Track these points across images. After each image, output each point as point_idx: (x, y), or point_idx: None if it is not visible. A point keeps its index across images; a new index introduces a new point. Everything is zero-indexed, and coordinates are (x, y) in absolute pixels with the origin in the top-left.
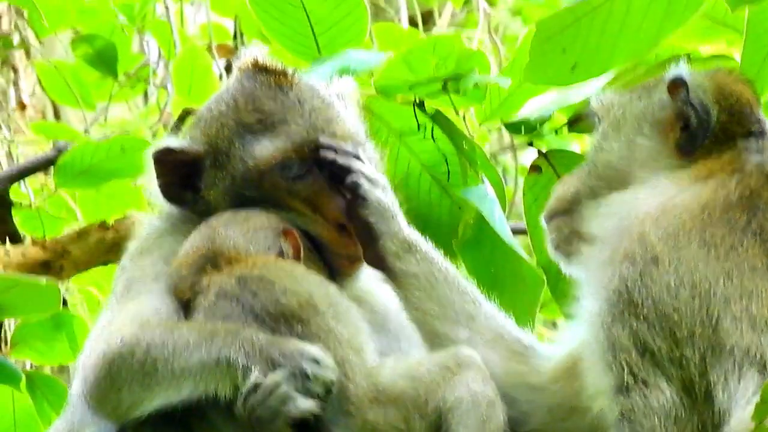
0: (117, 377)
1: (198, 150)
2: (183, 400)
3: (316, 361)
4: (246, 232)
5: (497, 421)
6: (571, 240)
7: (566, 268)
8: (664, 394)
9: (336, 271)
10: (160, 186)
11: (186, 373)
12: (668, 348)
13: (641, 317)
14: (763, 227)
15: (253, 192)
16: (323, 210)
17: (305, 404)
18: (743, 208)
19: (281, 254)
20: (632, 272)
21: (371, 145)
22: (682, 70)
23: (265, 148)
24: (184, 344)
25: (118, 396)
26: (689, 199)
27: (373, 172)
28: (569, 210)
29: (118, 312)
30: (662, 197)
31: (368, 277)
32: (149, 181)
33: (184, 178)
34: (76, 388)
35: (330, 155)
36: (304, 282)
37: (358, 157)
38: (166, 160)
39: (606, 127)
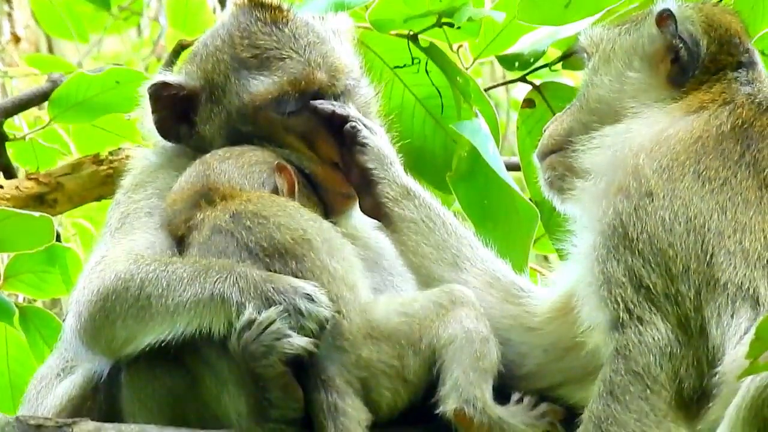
0: (111, 312)
1: (194, 85)
2: (177, 336)
3: (310, 298)
4: (240, 167)
5: (491, 358)
6: (564, 177)
7: (560, 206)
8: (659, 331)
9: (330, 207)
10: (155, 121)
11: (180, 308)
12: (663, 284)
13: (636, 252)
14: (756, 159)
15: (248, 127)
16: (317, 147)
17: (299, 341)
18: (736, 140)
19: (276, 190)
20: (627, 206)
21: (366, 81)
22: (670, 2)
23: (261, 84)
24: (178, 279)
25: (112, 331)
26: (682, 130)
27: (370, 121)
28: (562, 147)
29: (112, 247)
30: (655, 129)
31: (361, 216)
32: (144, 115)
33: (179, 113)
34: (70, 323)
35: (328, 107)
36: (299, 218)
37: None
38: (161, 95)
39: (596, 62)
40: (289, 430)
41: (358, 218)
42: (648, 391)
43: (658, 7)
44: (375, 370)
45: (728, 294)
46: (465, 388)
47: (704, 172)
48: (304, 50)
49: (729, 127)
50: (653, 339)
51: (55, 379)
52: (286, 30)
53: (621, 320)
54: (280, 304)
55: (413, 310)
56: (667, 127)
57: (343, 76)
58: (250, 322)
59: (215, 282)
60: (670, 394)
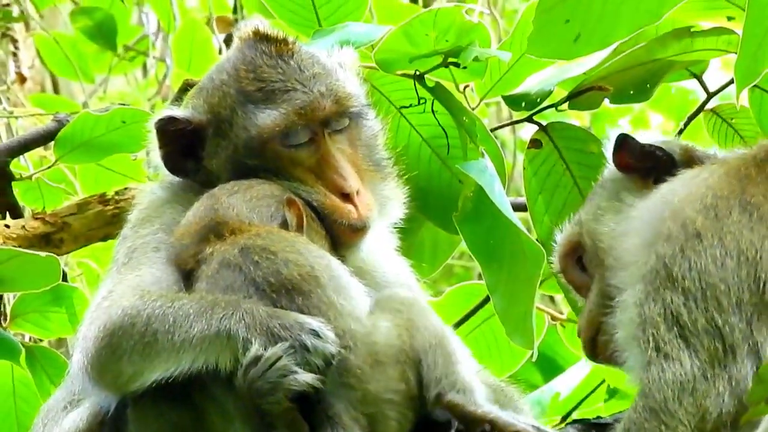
0: (117, 348)
1: (200, 119)
2: (183, 372)
3: (316, 334)
4: (249, 201)
5: (458, 347)
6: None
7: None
8: (682, 367)
9: (338, 240)
10: (162, 156)
11: (186, 345)
12: (708, 318)
13: (679, 290)
14: None
15: (255, 161)
16: (326, 178)
17: (305, 377)
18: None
19: (285, 224)
20: (669, 248)
21: (373, 113)
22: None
23: (268, 117)
24: (185, 315)
25: (118, 366)
26: (719, 168)
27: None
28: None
29: (118, 282)
30: (685, 179)
31: (371, 248)
32: (151, 150)
33: (186, 148)
34: (77, 358)
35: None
36: (306, 254)
37: None
38: (168, 129)
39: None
40: None
41: (366, 250)
42: (663, 427)
43: (607, 150)
44: (382, 403)
45: None
46: (450, 378)
47: (751, 202)
48: (310, 81)
49: (764, 153)
50: (673, 375)
51: (62, 411)
52: (292, 62)
53: (649, 359)
54: (286, 340)
55: (403, 324)
56: (697, 175)
57: (349, 105)
58: (256, 359)
59: (221, 318)
60: (689, 430)
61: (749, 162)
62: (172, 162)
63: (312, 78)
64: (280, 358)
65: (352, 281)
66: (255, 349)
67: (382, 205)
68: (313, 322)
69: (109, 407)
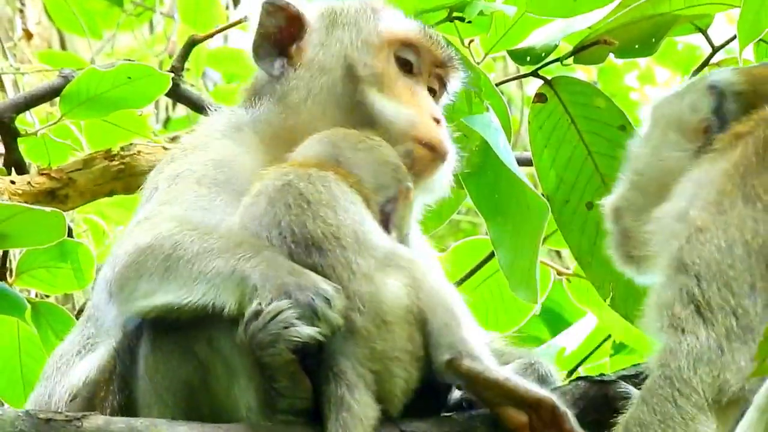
0: (142, 266)
1: (311, 15)
2: (192, 305)
3: (329, 303)
4: (372, 163)
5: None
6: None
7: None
8: (698, 339)
9: (416, 166)
10: (255, 37)
11: (201, 276)
12: (721, 298)
13: (691, 274)
14: None
15: (362, 61)
16: (421, 102)
17: (306, 330)
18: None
19: (389, 200)
20: (677, 244)
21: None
22: (720, 74)
23: (400, 22)
24: (209, 249)
25: (136, 283)
26: (722, 165)
27: None
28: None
29: (158, 209)
30: (693, 178)
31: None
32: (249, 30)
33: (282, 41)
34: (103, 272)
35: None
36: (340, 212)
37: None
38: (276, 9)
39: (642, 133)
40: (298, 422)
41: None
42: (677, 393)
43: (708, 79)
44: (389, 360)
45: None
46: (463, 345)
47: (753, 192)
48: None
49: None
50: (688, 346)
51: (76, 356)
52: None
53: (666, 333)
54: (297, 299)
55: (409, 282)
56: (708, 170)
57: (457, 71)
58: (258, 312)
59: (239, 259)
60: (703, 399)
61: (751, 151)
62: (263, 50)
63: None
64: (282, 311)
65: (379, 245)
66: (256, 303)
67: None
68: (329, 289)
69: (118, 360)
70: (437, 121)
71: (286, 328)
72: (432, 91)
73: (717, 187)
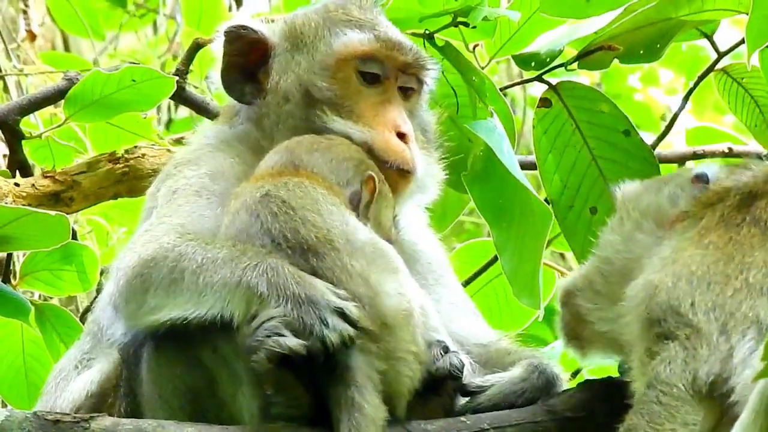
0: (147, 279)
1: (273, 39)
2: (200, 318)
3: (342, 314)
4: (329, 162)
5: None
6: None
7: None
8: (668, 351)
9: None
10: (223, 68)
11: (208, 289)
12: (678, 322)
13: (653, 310)
14: (756, 215)
15: (324, 82)
16: (385, 116)
17: (290, 342)
18: (738, 209)
19: (356, 193)
20: (643, 306)
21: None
22: (708, 169)
23: (355, 36)
24: (213, 259)
25: (143, 297)
26: (687, 235)
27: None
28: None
29: (158, 222)
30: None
31: (404, 221)
32: (215, 63)
33: (250, 67)
34: (107, 288)
35: None
36: (326, 215)
37: None
38: (238, 37)
39: (614, 219)
40: (305, 425)
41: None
42: (660, 394)
43: (695, 171)
44: (394, 360)
45: (739, 320)
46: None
47: (706, 242)
48: (396, 30)
49: (735, 201)
50: (661, 357)
51: (73, 371)
52: (380, 16)
53: (642, 363)
54: (310, 312)
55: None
56: (675, 243)
57: (426, 66)
58: (252, 318)
59: (245, 269)
60: (684, 390)
61: (714, 217)
62: (231, 79)
63: (398, 32)
64: (272, 318)
65: (368, 242)
66: (254, 309)
67: (424, 181)
68: (338, 301)
69: (124, 366)
70: (402, 135)
71: (269, 336)
72: (410, 89)
73: (675, 247)
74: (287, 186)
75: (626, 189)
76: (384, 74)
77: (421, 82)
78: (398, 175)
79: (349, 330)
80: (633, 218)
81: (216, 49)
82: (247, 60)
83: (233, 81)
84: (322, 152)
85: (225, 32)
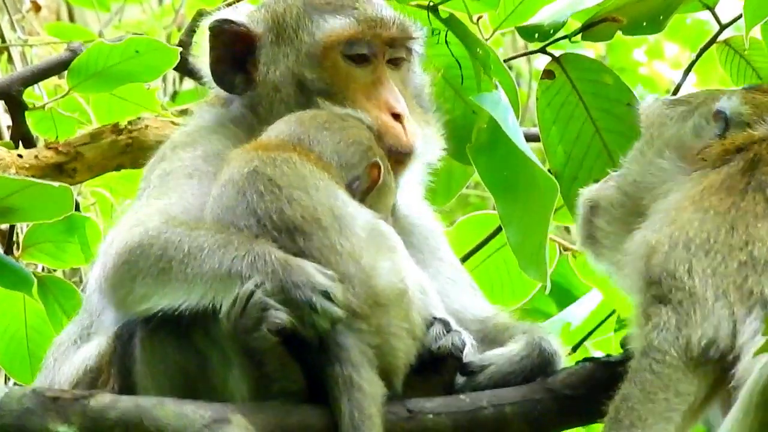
0: (134, 266)
1: (257, 28)
2: (191, 307)
3: (328, 296)
4: (337, 143)
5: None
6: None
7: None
8: (660, 317)
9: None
10: (211, 61)
11: (197, 279)
12: (682, 294)
13: (652, 282)
14: (761, 182)
15: (313, 72)
16: (378, 97)
17: (282, 315)
18: (742, 173)
19: (357, 178)
20: (642, 263)
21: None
22: (729, 103)
23: (336, 22)
24: (199, 247)
25: (131, 285)
26: (696, 189)
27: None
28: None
29: (147, 205)
30: (669, 203)
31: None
32: (202, 57)
33: (237, 59)
34: (94, 272)
35: None
36: (313, 192)
37: None
38: (222, 31)
39: (640, 141)
40: (303, 401)
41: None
42: (653, 362)
43: (716, 105)
44: (387, 335)
45: (743, 296)
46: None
47: (707, 206)
48: (379, 4)
49: (740, 166)
50: (653, 323)
51: (72, 346)
52: None
53: (638, 325)
54: (297, 297)
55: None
56: (682, 192)
57: (412, 35)
58: (234, 299)
59: (233, 258)
60: (676, 358)
61: (718, 178)
62: (220, 71)
63: (380, 3)
64: (253, 292)
65: (358, 218)
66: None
67: (423, 156)
68: (326, 283)
69: (117, 346)
70: (396, 115)
71: (264, 310)
72: (401, 60)
73: (679, 201)
74: (275, 162)
75: (650, 110)
76: (371, 52)
77: (409, 50)
78: (396, 159)
79: (338, 312)
80: (655, 147)
81: (203, 45)
82: (235, 52)
83: (223, 73)
84: (332, 132)
85: (209, 27)
